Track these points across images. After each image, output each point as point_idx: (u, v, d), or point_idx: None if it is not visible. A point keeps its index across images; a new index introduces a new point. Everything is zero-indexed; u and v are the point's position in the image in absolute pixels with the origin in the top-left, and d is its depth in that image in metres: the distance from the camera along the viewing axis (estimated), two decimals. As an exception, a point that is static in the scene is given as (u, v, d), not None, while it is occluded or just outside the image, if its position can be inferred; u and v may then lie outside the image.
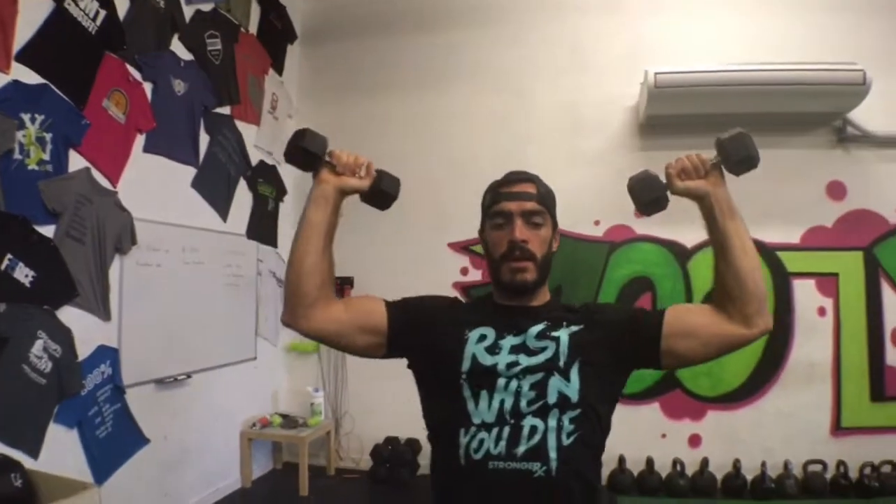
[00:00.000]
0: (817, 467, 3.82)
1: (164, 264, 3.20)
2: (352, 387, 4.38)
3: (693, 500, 3.72)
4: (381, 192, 1.30)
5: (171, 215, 3.27)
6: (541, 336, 1.20)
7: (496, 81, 4.44)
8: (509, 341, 1.20)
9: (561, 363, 1.17)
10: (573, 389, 1.16)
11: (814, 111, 3.89)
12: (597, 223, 4.23)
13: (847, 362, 3.98)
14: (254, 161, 4.09)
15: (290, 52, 4.60)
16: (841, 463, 3.79)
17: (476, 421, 1.15)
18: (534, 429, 1.13)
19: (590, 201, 4.10)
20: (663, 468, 3.88)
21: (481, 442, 1.13)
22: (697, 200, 1.24)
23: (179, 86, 3.33)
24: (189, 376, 3.35)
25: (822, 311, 4.02)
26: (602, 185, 3.99)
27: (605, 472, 3.93)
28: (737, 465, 3.82)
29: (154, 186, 3.15)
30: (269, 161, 4.28)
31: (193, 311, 3.44)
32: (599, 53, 4.31)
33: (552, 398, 1.15)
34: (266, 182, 4.22)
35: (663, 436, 4.07)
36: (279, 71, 4.43)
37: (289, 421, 3.99)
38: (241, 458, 3.87)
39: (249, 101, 4.02)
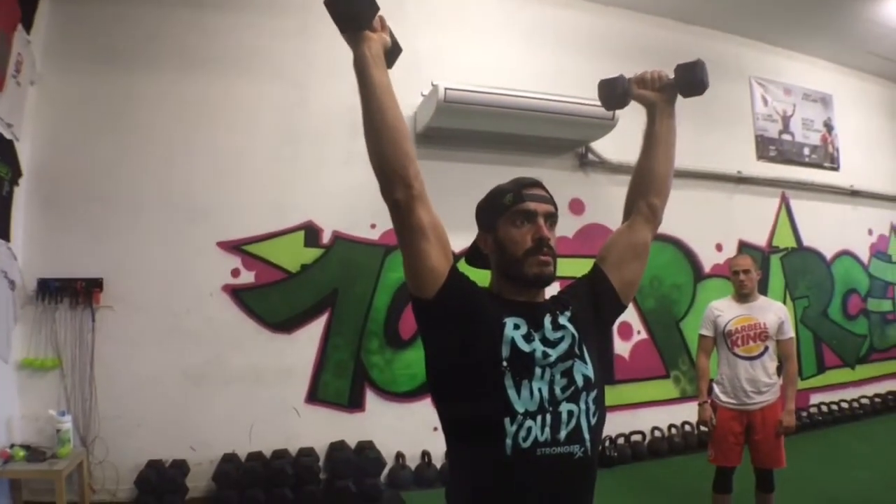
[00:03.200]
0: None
1: None
2: (102, 407, 3.85)
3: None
4: (396, 45, 1.29)
5: None
6: (555, 327, 1.27)
7: (272, 72, 4.35)
8: (538, 334, 1.25)
9: (577, 349, 1.26)
10: (591, 370, 1.26)
11: (568, 138, 4.59)
12: (373, 226, 4.40)
13: (585, 353, 4.74)
14: (-10, 133, 3.38)
15: (41, 8, 3.90)
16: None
17: (520, 410, 1.18)
18: (570, 413, 1.21)
19: (366, 204, 4.18)
20: (438, 459, 4.16)
21: (529, 430, 1.17)
22: (646, 107, 1.51)
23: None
24: None
25: (565, 310, 4.72)
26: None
27: (385, 471, 4.07)
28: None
29: None
30: (7, 135, 3.56)
31: None
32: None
33: (580, 382, 1.24)
34: (2, 161, 3.52)
35: (435, 429, 4.34)
36: (27, 28, 3.72)
37: (34, 453, 3.37)
38: (-22, 502, 3.15)
39: (-5, 60, 3.32)
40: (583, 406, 1.22)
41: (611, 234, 1.49)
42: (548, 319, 1.27)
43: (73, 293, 3.82)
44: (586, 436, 1.21)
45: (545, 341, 1.24)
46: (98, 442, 3.83)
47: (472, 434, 1.22)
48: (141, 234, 4.00)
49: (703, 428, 3.48)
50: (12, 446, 3.40)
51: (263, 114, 4.30)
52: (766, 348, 3.17)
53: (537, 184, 1.36)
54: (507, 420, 1.17)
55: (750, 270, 3.26)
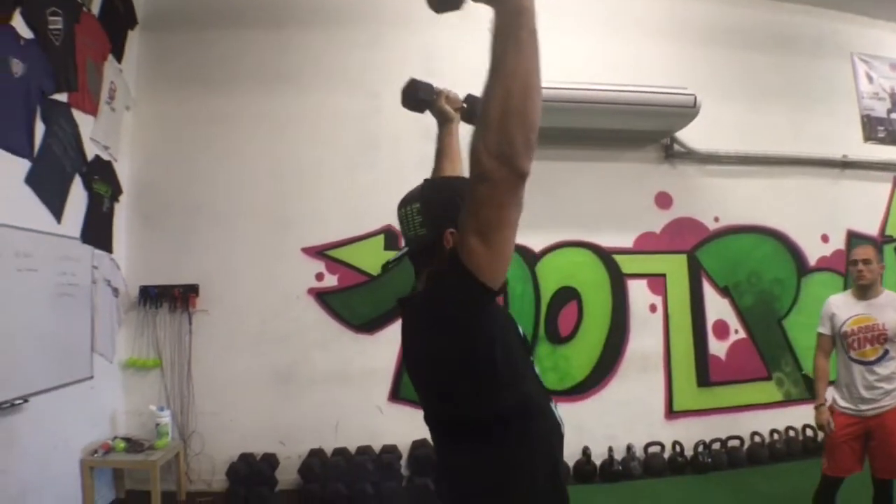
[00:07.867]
0: (656, 448, 4.33)
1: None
2: (199, 403, 4.12)
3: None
4: None
5: (2, 215, 2.89)
6: None
7: (347, 83, 4.47)
8: None
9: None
10: None
11: (648, 129, 4.40)
12: (449, 228, 4.37)
13: (676, 353, 4.56)
14: (89, 156, 3.73)
15: (130, 39, 4.25)
16: (676, 443, 4.35)
17: (546, 388, 1.33)
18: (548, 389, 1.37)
19: (441, 207, 4.21)
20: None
21: (556, 404, 1.32)
22: (444, 121, 1.74)
23: (17, 67, 2.97)
24: (26, 400, 2.99)
25: (653, 308, 4.58)
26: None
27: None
28: (586, 451, 4.21)
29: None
30: (105, 156, 3.90)
31: (25, 326, 3.06)
32: (451, 64, 4.31)
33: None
34: (102, 180, 3.87)
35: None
36: (118, 58, 4.07)
37: (133, 445, 3.69)
38: (83, 490, 3.48)
39: (88, 89, 3.67)
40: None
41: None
42: None
43: (171, 298, 4.11)
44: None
45: None
46: (195, 436, 4.09)
47: (531, 416, 1.23)
48: (232, 242, 4.24)
49: (820, 433, 3.20)
50: (114, 438, 3.71)
51: (341, 124, 4.45)
52: (886, 352, 2.86)
53: None
54: (551, 405, 1.29)
55: (871, 260, 2.93)
